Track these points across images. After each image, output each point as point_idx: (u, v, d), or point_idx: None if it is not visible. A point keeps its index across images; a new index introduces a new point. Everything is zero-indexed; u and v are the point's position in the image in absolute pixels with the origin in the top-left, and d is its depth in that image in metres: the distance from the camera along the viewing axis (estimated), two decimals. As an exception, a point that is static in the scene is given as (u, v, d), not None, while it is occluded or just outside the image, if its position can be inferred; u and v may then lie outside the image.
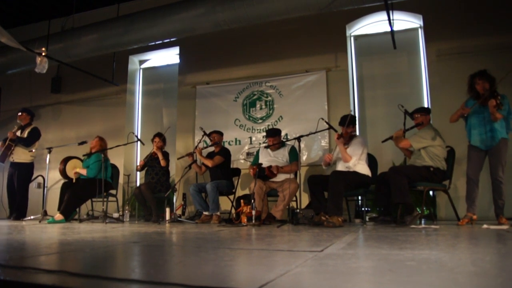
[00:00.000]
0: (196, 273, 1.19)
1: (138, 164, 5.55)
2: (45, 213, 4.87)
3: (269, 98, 5.81)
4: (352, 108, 5.44)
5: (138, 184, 6.21)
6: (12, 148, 5.51)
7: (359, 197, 4.68)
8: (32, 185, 6.62)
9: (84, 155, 5.12)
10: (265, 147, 4.67)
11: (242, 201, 4.18)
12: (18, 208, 5.52)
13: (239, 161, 5.77)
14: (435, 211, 4.63)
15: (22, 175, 5.58)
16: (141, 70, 7.16)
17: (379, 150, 4.91)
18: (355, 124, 4.34)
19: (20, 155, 5.56)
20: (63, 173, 4.98)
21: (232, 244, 2.10)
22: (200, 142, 5.26)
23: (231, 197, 5.03)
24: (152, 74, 7.13)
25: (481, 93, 3.55)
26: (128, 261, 1.60)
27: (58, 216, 4.51)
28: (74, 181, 4.92)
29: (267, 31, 5.80)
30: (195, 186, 4.82)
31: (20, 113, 5.74)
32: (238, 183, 5.26)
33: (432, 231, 2.85)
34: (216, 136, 5.08)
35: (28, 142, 5.58)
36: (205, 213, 4.69)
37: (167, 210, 4.55)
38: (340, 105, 5.35)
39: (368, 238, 2.41)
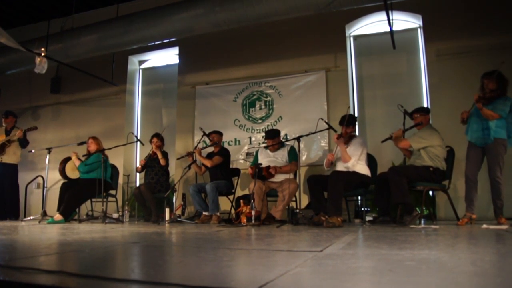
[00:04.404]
0: (196, 273, 1.19)
1: (138, 165, 5.54)
2: (44, 214, 4.86)
3: (269, 98, 5.81)
4: (351, 108, 5.45)
5: (137, 184, 6.21)
6: (6, 148, 5.51)
7: (359, 197, 4.68)
8: (32, 185, 6.63)
9: (84, 155, 5.12)
10: (265, 147, 4.67)
11: (241, 201, 4.18)
12: (12, 208, 5.55)
13: (239, 161, 5.77)
14: (434, 211, 4.63)
15: (12, 176, 5.63)
16: (140, 71, 7.16)
17: (378, 150, 4.91)
18: (355, 124, 4.34)
19: (11, 155, 5.59)
20: (62, 173, 4.98)
21: (231, 244, 2.10)
22: (199, 142, 5.26)
23: (231, 197, 5.03)
24: (151, 75, 7.13)
25: (486, 91, 3.56)
26: (127, 261, 1.60)
27: (58, 216, 4.50)
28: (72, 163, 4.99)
29: (267, 31, 5.80)
30: (194, 186, 4.82)
31: (6, 117, 5.71)
32: (237, 183, 5.26)
33: (431, 231, 2.85)
34: (215, 136, 5.08)
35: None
36: (205, 213, 4.69)
37: (167, 210, 4.54)
38: (339, 105, 5.34)
39: (368, 238, 2.41)
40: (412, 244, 1.93)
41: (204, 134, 5.10)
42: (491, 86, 3.52)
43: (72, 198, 4.65)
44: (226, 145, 5.68)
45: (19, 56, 5.72)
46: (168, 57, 6.93)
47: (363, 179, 3.95)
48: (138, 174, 6.31)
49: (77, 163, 4.93)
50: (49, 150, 5.27)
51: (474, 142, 3.64)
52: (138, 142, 5.60)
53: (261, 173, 4.29)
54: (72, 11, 6.17)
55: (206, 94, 6.17)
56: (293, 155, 4.49)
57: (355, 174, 3.91)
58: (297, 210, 3.92)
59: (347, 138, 4.09)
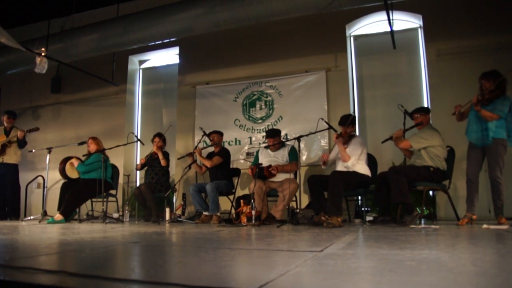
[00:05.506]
0: (196, 273, 1.19)
1: (138, 163, 5.54)
2: (45, 213, 4.87)
3: (269, 98, 5.81)
4: (351, 107, 5.45)
5: (138, 184, 6.21)
6: (6, 149, 5.51)
7: (359, 197, 4.68)
8: (32, 185, 6.64)
9: (84, 155, 5.12)
10: (265, 147, 4.67)
11: (242, 201, 4.18)
12: (13, 208, 5.56)
13: (239, 161, 5.77)
14: (435, 211, 4.63)
15: (14, 176, 5.64)
16: (140, 70, 7.16)
17: (379, 150, 4.91)
18: (355, 124, 4.34)
19: (12, 156, 5.60)
20: (62, 173, 4.98)
21: (232, 244, 2.10)
22: (199, 142, 5.26)
23: (231, 197, 5.03)
24: (152, 74, 7.13)
25: (485, 92, 3.56)
26: (128, 261, 1.60)
27: (58, 216, 4.50)
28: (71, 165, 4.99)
29: (267, 31, 5.80)
30: (195, 186, 4.82)
31: (13, 117, 5.72)
32: (237, 183, 5.26)
33: (431, 231, 2.85)
34: (216, 136, 5.08)
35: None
36: (205, 213, 4.69)
37: (167, 210, 4.55)
38: (339, 105, 5.35)
39: (368, 238, 2.41)
40: (413, 244, 1.92)
41: (205, 134, 5.11)
42: (489, 87, 3.52)
43: (73, 198, 4.65)
44: (226, 145, 5.68)
45: (19, 56, 5.72)
46: (168, 57, 6.93)
47: (363, 179, 3.95)
48: (138, 174, 6.32)
49: (76, 163, 4.94)
50: (49, 150, 5.27)
51: (474, 142, 3.64)
52: (138, 142, 5.61)
53: (262, 172, 4.29)
54: (72, 11, 6.17)
55: (206, 94, 6.17)
56: (294, 155, 4.49)
57: (355, 174, 3.91)
58: (297, 210, 3.92)
59: (346, 138, 4.09)
